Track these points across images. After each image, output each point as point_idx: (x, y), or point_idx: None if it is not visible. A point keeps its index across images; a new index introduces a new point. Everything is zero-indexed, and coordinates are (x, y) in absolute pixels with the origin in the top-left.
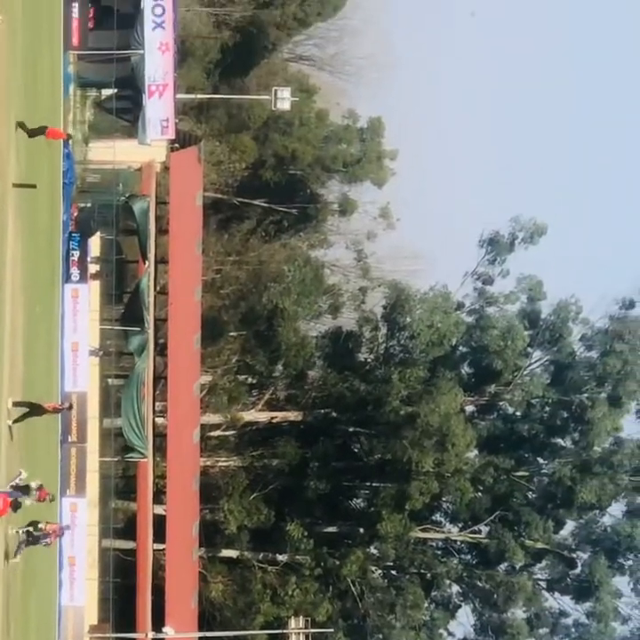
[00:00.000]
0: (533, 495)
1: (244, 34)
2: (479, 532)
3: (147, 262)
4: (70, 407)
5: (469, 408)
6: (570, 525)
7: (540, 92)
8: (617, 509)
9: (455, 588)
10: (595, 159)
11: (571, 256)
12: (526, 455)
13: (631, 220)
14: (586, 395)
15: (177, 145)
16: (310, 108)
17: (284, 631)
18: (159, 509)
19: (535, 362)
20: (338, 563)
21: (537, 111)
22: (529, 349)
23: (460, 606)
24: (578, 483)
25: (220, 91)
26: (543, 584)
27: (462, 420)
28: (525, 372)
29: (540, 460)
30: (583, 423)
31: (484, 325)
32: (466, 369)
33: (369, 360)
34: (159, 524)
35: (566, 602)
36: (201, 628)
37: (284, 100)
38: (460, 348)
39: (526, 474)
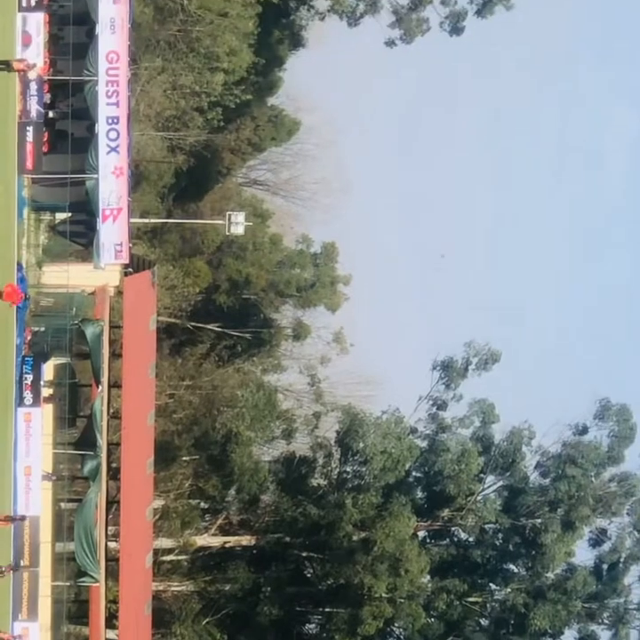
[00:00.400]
0: (486, 621)
1: (199, 158)
2: None
3: (100, 386)
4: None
5: (422, 533)
6: None
7: (491, 217)
8: (569, 636)
9: None
10: (546, 286)
11: (524, 380)
12: (479, 581)
13: (584, 346)
14: (539, 520)
15: (131, 269)
16: (264, 233)
17: None
18: (111, 634)
19: (488, 487)
20: None
21: (489, 237)
22: (482, 474)
23: None
24: (531, 609)
25: (174, 215)
26: None
27: (416, 545)
28: (479, 497)
29: (493, 586)
30: (536, 548)
31: (437, 450)
32: (419, 493)
33: (322, 485)
34: None
35: None
36: None
37: (237, 224)
38: (414, 472)
39: (479, 600)
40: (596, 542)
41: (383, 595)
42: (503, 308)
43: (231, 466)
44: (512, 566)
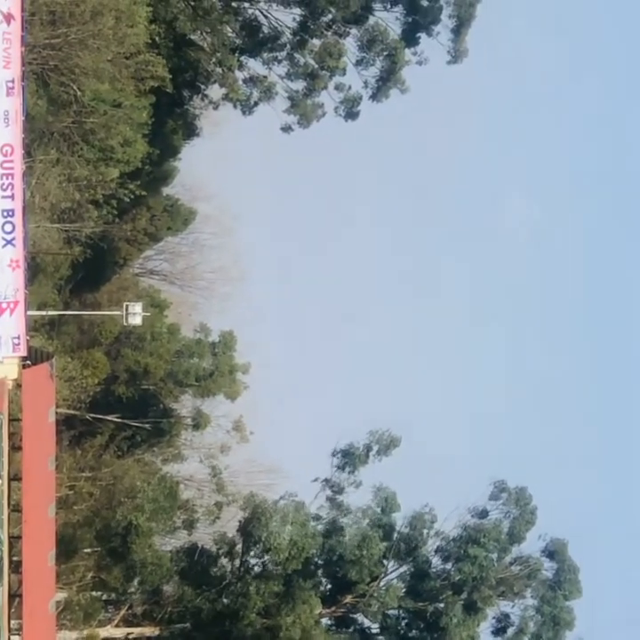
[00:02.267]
0: None
1: (95, 249)
2: None
3: (0, 479)
4: None
5: (326, 620)
6: None
7: (388, 300)
8: None
9: None
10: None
11: (424, 465)
12: None
13: (482, 430)
14: (442, 604)
15: (29, 362)
16: (162, 323)
17: None
18: None
19: (391, 572)
20: None
21: (386, 319)
22: (384, 560)
23: None
24: None
25: (71, 306)
26: None
27: (322, 631)
28: (381, 583)
29: None
30: (438, 631)
31: (339, 536)
32: (322, 579)
33: (225, 574)
34: None
35: None
36: None
37: (135, 315)
38: (316, 558)
39: None
40: (499, 630)
41: None
42: (401, 394)
43: (132, 558)
44: None
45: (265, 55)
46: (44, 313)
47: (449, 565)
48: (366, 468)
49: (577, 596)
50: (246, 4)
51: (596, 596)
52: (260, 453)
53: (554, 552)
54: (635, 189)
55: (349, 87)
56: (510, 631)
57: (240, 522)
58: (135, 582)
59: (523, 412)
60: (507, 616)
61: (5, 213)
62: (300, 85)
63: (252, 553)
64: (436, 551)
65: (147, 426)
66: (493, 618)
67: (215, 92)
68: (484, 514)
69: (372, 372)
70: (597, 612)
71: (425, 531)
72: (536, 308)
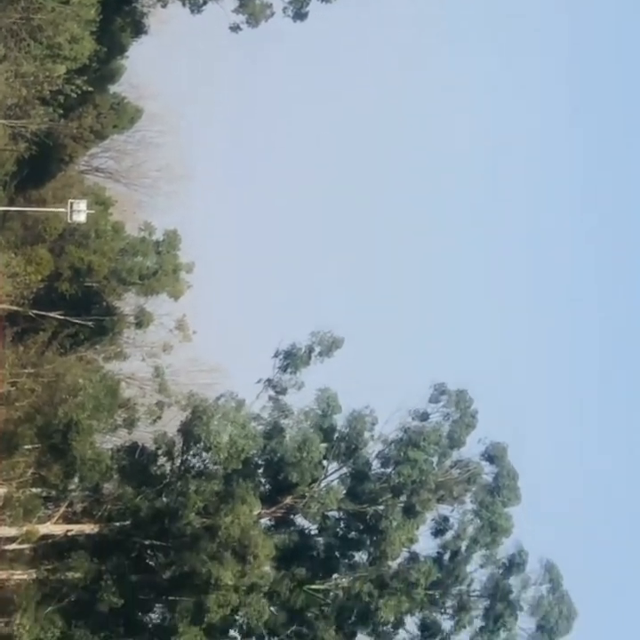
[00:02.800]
0: (329, 610)
1: (41, 146)
2: None
3: None
4: None
5: (265, 521)
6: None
7: (341, 197)
8: (411, 624)
9: None
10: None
11: (366, 368)
12: (322, 569)
13: (425, 330)
14: (381, 506)
15: None
16: (106, 221)
17: None
18: None
19: (331, 474)
20: None
21: (337, 219)
22: (325, 462)
23: None
24: (375, 599)
25: (16, 202)
26: None
27: (261, 530)
28: (321, 485)
29: (337, 575)
30: (377, 533)
31: (279, 437)
32: (262, 480)
33: (165, 473)
34: None
35: None
36: None
37: (79, 212)
38: (256, 459)
39: (322, 587)
40: (438, 531)
41: (229, 583)
42: (344, 293)
43: (73, 455)
44: (355, 555)
45: None
46: None
47: (389, 469)
48: (309, 370)
49: (515, 503)
50: None
51: (533, 503)
52: (203, 353)
53: (494, 456)
54: None
55: None
56: (448, 534)
57: (181, 422)
58: (75, 480)
59: (463, 315)
60: (446, 519)
61: None
62: None
63: (191, 452)
64: (376, 456)
65: (89, 323)
66: (432, 520)
67: None
68: (424, 416)
69: (316, 275)
70: (534, 520)
71: (365, 432)
72: None
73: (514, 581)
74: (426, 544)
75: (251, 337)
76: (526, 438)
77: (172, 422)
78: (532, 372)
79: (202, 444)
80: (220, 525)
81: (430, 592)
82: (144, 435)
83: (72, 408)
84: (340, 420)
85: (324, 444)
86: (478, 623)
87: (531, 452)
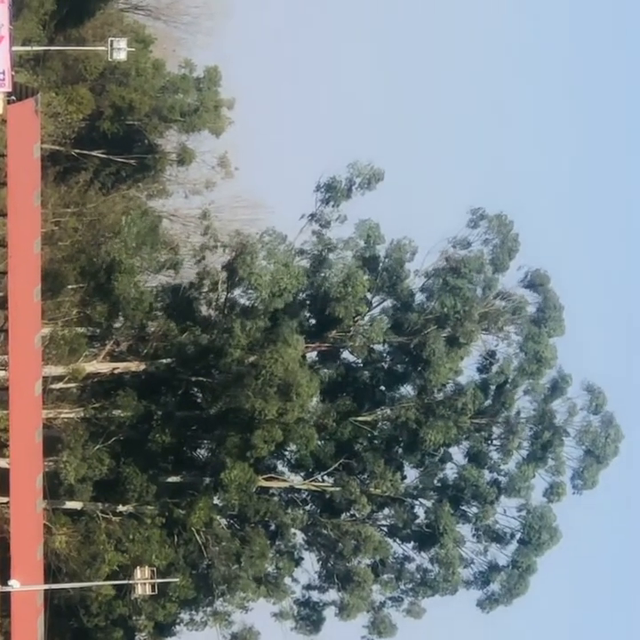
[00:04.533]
0: (377, 441)
1: None
2: (323, 480)
3: None
4: None
5: (311, 355)
6: (413, 473)
7: (381, 33)
8: (458, 454)
9: (300, 537)
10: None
11: (407, 200)
12: (369, 400)
13: (462, 160)
14: (426, 337)
15: (13, 97)
16: (146, 59)
17: (130, 582)
18: (2, 462)
19: (375, 307)
20: (183, 512)
21: (376, 54)
22: (368, 295)
23: (302, 559)
24: (422, 425)
25: (55, 42)
26: (386, 530)
27: (306, 369)
28: (366, 318)
29: (383, 406)
30: (422, 363)
31: (323, 272)
32: (307, 315)
33: (210, 311)
34: (2, 477)
35: (410, 548)
36: (47, 581)
37: (120, 50)
38: (301, 294)
39: (369, 419)
40: (483, 366)
41: (273, 418)
42: (385, 125)
43: (116, 294)
44: (401, 387)
45: None
46: (28, 48)
47: (432, 303)
48: (350, 203)
49: (559, 334)
50: None
51: (577, 336)
52: (245, 190)
53: (537, 285)
54: None
55: None
56: (493, 368)
57: (228, 262)
58: (120, 318)
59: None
60: (492, 354)
61: None
62: None
63: (236, 291)
64: (419, 289)
65: (132, 162)
66: (479, 355)
67: None
68: (466, 244)
69: (355, 108)
70: (579, 353)
71: (407, 263)
72: None
73: (559, 408)
74: (471, 379)
75: (292, 172)
76: (567, 267)
77: (216, 259)
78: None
79: (245, 282)
80: (264, 363)
81: (476, 421)
82: (189, 273)
83: (114, 247)
84: (381, 252)
85: (366, 277)
86: (525, 452)
87: (572, 281)
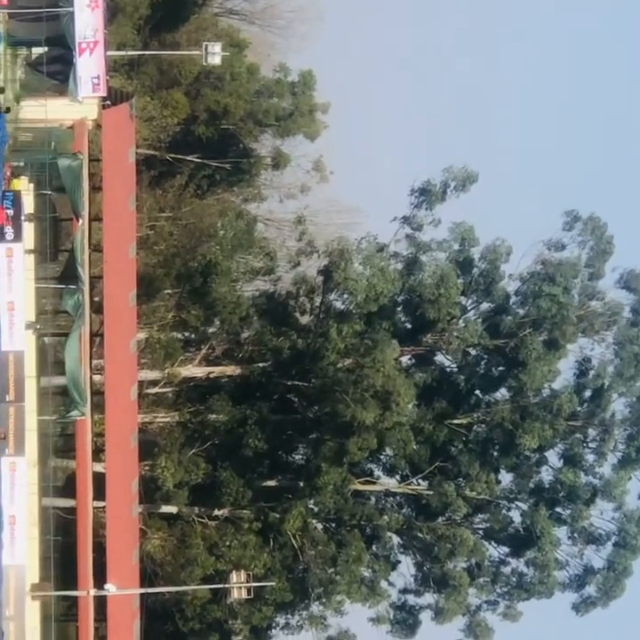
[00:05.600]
0: (472, 444)
1: None
2: (418, 484)
3: (80, 220)
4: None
5: (405, 359)
6: (509, 477)
7: (474, 37)
8: (553, 457)
9: (396, 540)
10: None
11: (501, 203)
12: (464, 405)
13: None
14: (521, 341)
15: (108, 102)
16: (241, 63)
17: (226, 585)
18: (98, 467)
19: (470, 310)
20: (279, 517)
21: (471, 55)
22: (463, 297)
23: (399, 562)
24: (518, 427)
25: (150, 47)
26: (481, 533)
27: (403, 375)
28: (460, 321)
29: (478, 409)
30: (518, 366)
31: (417, 275)
32: (401, 318)
33: (305, 316)
34: (99, 481)
35: (505, 551)
36: (142, 585)
37: (214, 54)
38: (395, 297)
39: (464, 421)
40: (579, 373)
41: (371, 425)
42: (478, 126)
43: (212, 297)
44: (496, 389)
45: None
46: (123, 53)
47: (527, 307)
48: (444, 206)
49: None
50: None
51: None
52: (340, 194)
53: (632, 287)
54: None
55: None
56: (590, 374)
57: (324, 267)
58: (216, 322)
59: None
60: (588, 359)
61: None
62: None
63: (331, 296)
64: (514, 293)
65: (226, 166)
66: (575, 360)
67: None
68: (560, 246)
69: (450, 113)
70: None
71: (502, 265)
72: None
73: None
74: (566, 382)
75: (387, 176)
76: None
77: (311, 269)
78: None
79: (341, 287)
80: (362, 374)
81: (572, 423)
82: (284, 285)
83: (210, 249)
84: (476, 254)
85: (461, 280)
86: (620, 454)
87: None
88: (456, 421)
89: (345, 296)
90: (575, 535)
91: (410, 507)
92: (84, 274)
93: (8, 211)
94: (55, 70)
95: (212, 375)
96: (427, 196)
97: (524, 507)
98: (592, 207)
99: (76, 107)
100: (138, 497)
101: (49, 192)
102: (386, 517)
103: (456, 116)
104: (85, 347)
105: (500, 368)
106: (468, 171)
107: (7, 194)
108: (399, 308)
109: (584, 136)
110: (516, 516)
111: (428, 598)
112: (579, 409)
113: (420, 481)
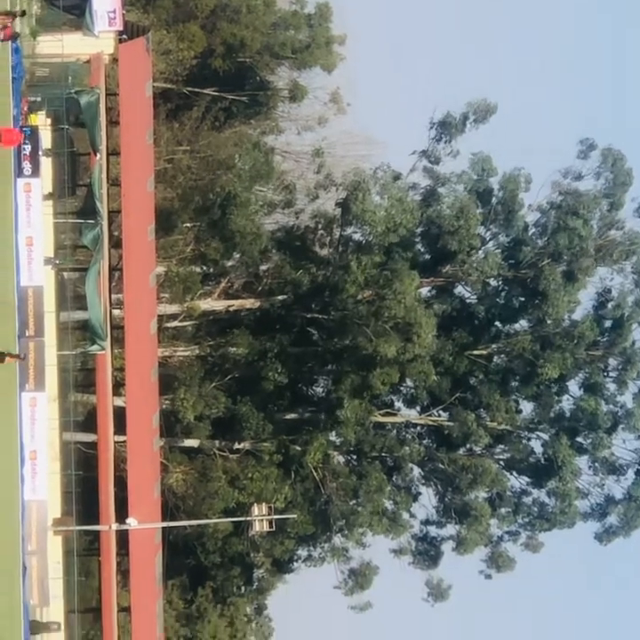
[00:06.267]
0: (493, 375)
1: None
2: (439, 415)
3: (98, 154)
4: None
5: (425, 290)
6: (530, 407)
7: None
8: (573, 386)
9: (417, 472)
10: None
11: (519, 133)
12: (484, 336)
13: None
14: (541, 271)
15: (125, 36)
16: None
17: (247, 518)
18: (119, 401)
19: (489, 240)
20: (300, 449)
21: None
22: (482, 228)
23: (420, 494)
24: (538, 357)
25: None
26: (502, 464)
27: (424, 307)
28: (480, 252)
29: (499, 340)
30: (538, 296)
31: (436, 206)
32: (420, 250)
33: (325, 249)
34: (119, 415)
35: (527, 481)
36: (164, 519)
37: None
38: (415, 229)
39: (484, 353)
40: (599, 304)
41: (392, 358)
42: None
43: (231, 229)
44: (516, 320)
45: None
46: None
47: (546, 238)
48: (463, 138)
49: None
50: None
51: None
52: (357, 126)
53: None
54: None
55: None
56: (610, 304)
57: (341, 200)
58: (235, 256)
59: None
60: (608, 290)
61: None
62: None
63: (350, 229)
64: (533, 224)
65: (243, 98)
66: (595, 292)
67: None
68: (577, 176)
69: (466, 42)
70: None
71: (520, 194)
72: None
73: None
74: (586, 312)
75: (404, 107)
76: None
77: (329, 202)
78: None
79: (359, 218)
80: (382, 305)
81: (592, 352)
82: (303, 214)
83: (229, 181)
84: (494, 185)
85: (480, 210)
86: None
87: None
88: (476, 352)
89: (364, 228)
90: (596, 465)
91: (431, 438)
92: (103, 208)
93: (25, 146)
94: (71, 5)
95: (231, 309)
96: (445, 128)
97: (545, 436)
98: (609, 140)
99: (93, 41)
100: (159, 431)
101: (66, 127)
102: (407, 449)
103: (474, 46)
104: (104, 281)
105: (520, 299)
106: (487, 102)
107: (25, 129)
108: (418, 240)
109: (602, 67)
110: (537, 445)
111: (450, 529)
112: (599, 339)
113: (441, 412)
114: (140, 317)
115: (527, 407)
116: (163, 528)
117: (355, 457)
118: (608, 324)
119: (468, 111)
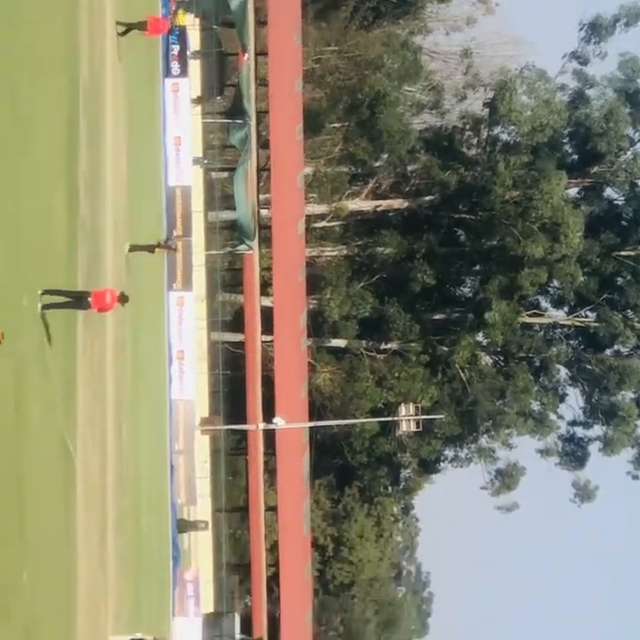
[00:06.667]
0: None
1: None
2: (586, 316)
3: (246, 54)
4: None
5: (573, 191)
6: None
7: None
8: None
9: (564, 373)
10: None
11: None
12: (632, 236)
13: None
14: None
15: None
16: None
17: (394, 418)
18: (266, 301)
19: (638, 142)
20: (447, 349)
21: None
22: (631, 130)
23: (567, 395)
24: None
25: None
26: None
27: (571, 208)
28: (628, 154)
29: None
30: None
31: (585, 108)
32: (568, 151)
33: (472, 149)
34: (266, 315)
35: None
36: (311, 418)
37: None
38: (562, 130)
39: (632, 254)
40: None
41: (540, 258)
42: None
43: (380, 128)
44: None
45: None
46: None
47: None
48: (613, 40)
49: None
50: None
51: None
52: (506, 26)
53: None
54: None
55: None
56: None
57: (488, 100)
58: (383, 156)
59: None
60: None
61: None
62: None
63: (497, 129)
64: None
65: None
66: None
67: None
68: None
69: None
70: None
71: None
72: None
73: None
74: None
75: (553, 10)
76: None
77: (477, 102)
78: None
79: (507, 118)
80: (529, 205)
81: None
82: (451, 115)
83: (377, 80)
84: None
85: (629, 111)
86: None
87: None
88: (624, 253)
89: (511, 128)
90: None
91: (578, 339)
92: (251, 108)
93: (174, 46)
94: None
95: (378, 209)
96: (595, 29)
97: None
98: None
99: None
100: (306, 331)
101: (215, 27)
102: (554, 349)
103: None
104: (252, 181)
105: None
106: (638, 5)
107: (174, 29)
108: (566, 141)
109: None
110: None
111: (597, 430)
112: None
113: (588, 313)
114: (288, 217)
115: None
116: (310, 428)
117: (502, 357)
118: None
119: (619, 13)
